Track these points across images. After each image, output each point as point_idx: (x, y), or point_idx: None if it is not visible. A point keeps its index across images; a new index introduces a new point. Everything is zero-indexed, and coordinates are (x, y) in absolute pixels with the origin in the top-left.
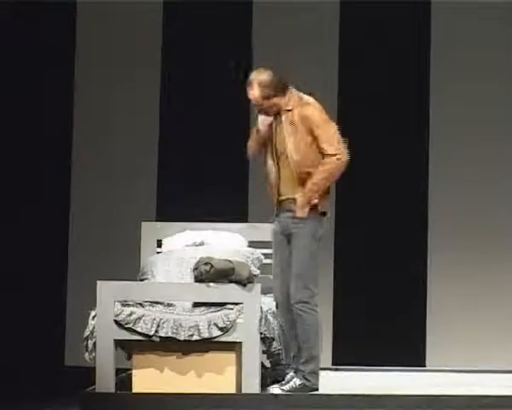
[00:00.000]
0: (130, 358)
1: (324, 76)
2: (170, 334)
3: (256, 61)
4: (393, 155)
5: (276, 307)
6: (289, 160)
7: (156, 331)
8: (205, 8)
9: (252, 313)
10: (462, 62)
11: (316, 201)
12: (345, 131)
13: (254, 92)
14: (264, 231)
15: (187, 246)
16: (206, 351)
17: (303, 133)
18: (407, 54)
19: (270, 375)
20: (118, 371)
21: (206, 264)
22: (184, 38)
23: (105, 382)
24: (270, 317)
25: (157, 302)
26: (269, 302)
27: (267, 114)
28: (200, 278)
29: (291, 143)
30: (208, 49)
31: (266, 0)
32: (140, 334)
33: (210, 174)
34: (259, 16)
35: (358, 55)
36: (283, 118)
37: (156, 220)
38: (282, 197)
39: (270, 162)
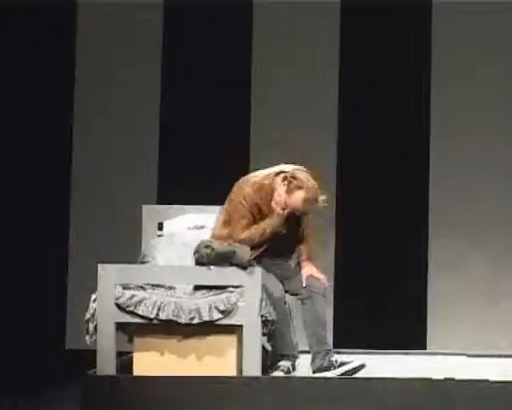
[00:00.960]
0: (131, 341)
1: (324, 77)
2: (171, 317)
3: (256, 62)
4: (394, 156)
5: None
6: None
7: (157, 314)
8: (205, 9)
9: (252, 296)
10: (463, 63)
11: None
12: (345, 130)
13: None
14: None
15: (188, 229)
16: (207, 334)
17: None
18: (408, 54)
19: (271, 358)
20: (119, 354)
21: (206, 247)
22: (184, 38)
23: (106, 365)
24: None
25: (158, 285)
26: None
27: None
28: (201, 262)
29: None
30: (208, 50)
31: (266, 1)
32: (141, 317)
33: (211, 158)
34: (259, 17)
35: (359, 55)
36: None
37: (157, 204)
38: None
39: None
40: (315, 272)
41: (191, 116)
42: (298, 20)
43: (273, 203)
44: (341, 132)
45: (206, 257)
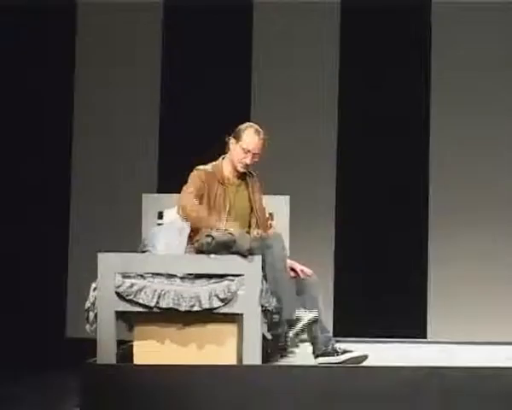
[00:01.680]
0: (131, 330)
1: (324, 77)
2: (171, 305)
3: (256, 62)
4: (393, 156)
5: None
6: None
7: (157, 303)
8: (205, 9)
9: (253, 284)
10: (463, 63)
11: None
12: (346, 128)
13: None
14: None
15: None
16: (208, 323)
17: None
18: (408, 54)
19: (272, 346)
20: (119, 342)
21: (207, 236)
22: (184, 38)
23: (106, 353)
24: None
25: (158, 274)
26: None
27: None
28: (201, 250)
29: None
30: (208, 50)
31: (266, 1)
32: (141, 305)
33: (211, 158)
34: (259, 17)
35: (359, 55)
36: (253, 179)
37: (157, 193)
38: None
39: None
40: (302, 267)
41: (191, 116)
42: (298, 20)
43: (237, 166)
44: (341, 132)
45: (207, 246)
